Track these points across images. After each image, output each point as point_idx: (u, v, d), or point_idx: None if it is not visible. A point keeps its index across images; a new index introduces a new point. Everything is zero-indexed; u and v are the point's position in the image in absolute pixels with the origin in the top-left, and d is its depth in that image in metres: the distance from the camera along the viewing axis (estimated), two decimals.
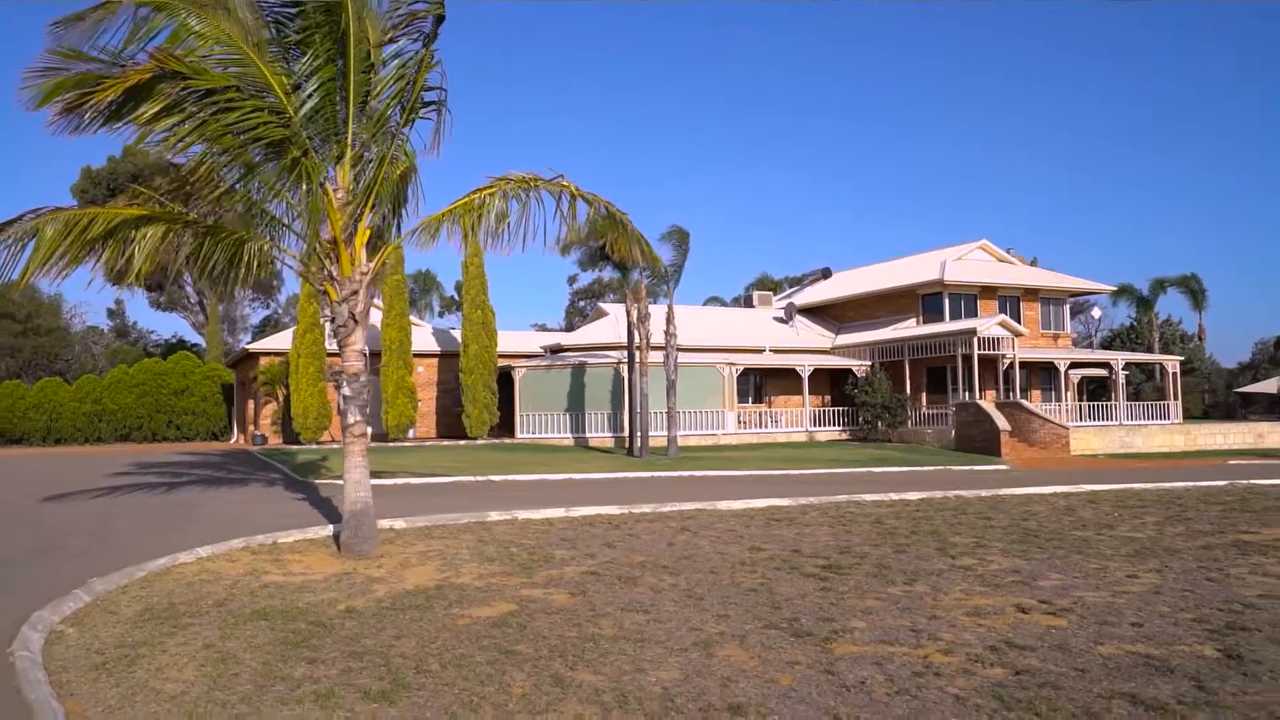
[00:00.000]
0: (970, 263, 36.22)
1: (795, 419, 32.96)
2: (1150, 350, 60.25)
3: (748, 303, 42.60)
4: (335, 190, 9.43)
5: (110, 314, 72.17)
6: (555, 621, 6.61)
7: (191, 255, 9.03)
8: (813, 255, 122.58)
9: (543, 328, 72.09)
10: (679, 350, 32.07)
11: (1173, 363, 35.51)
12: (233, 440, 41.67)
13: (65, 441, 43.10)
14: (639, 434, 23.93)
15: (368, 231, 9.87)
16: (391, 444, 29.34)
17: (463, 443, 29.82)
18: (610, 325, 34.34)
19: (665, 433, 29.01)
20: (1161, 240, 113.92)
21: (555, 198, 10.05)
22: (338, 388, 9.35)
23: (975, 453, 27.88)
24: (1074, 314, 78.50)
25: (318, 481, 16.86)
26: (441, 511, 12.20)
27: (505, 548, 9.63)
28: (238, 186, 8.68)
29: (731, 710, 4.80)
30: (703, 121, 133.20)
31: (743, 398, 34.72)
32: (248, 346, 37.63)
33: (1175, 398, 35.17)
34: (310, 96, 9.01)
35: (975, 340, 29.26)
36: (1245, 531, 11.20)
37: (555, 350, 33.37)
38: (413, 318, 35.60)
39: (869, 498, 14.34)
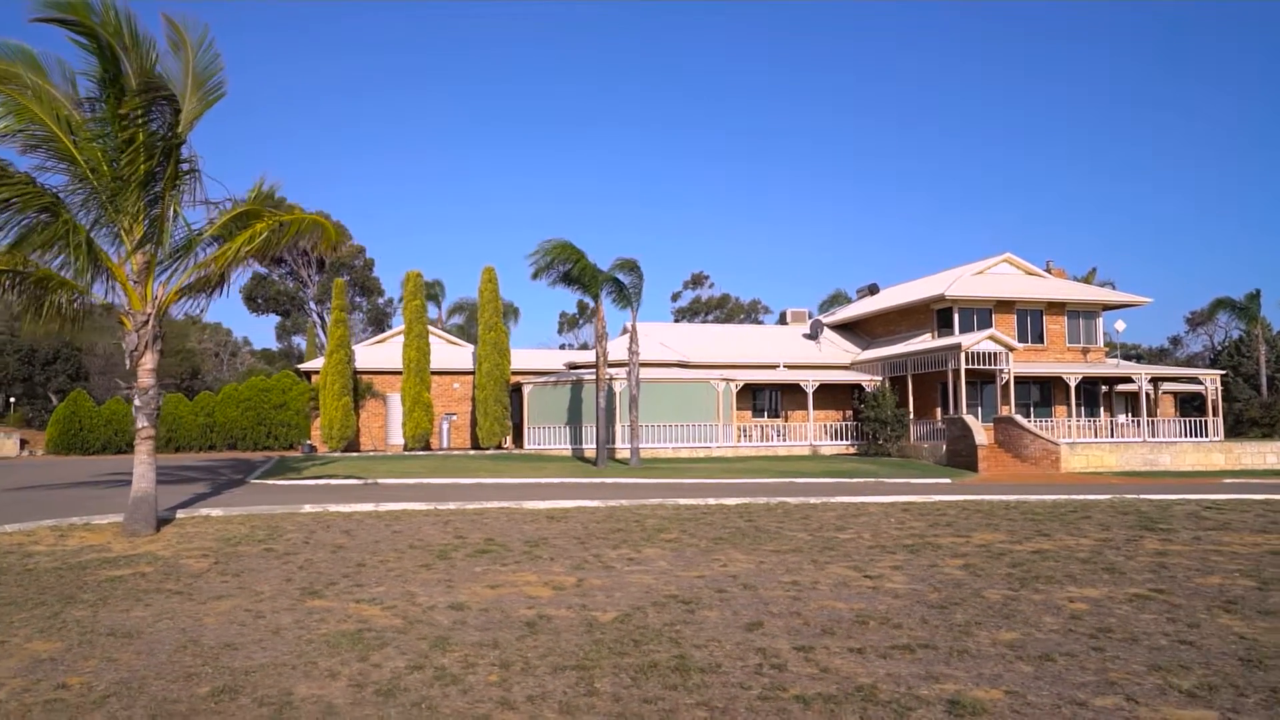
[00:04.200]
0: (990, 277, 35.63)
1: (801, 433, 33.51)
2: (1257, 363, 56.09)
3: (782, 320, 43.20)
4: (133, 241, 11.71)
5: (278, 336, 79.11)
6: (152, 581, 8.48)
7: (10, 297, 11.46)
8: (897, 271, 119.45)
9: None
10: (676, 366, 33.49)
11: (1212, 377, 33.68)
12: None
13: (183, 449, 48.45)
14: (602, 445, 25.43)
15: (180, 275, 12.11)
16: (406, 453, 32.06)
17: (473, 452, 32.18)
18: (623, 343, 36.09)
19: (652, 444, 30.69)
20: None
21: (292, 224, 12.02)
22: (129, 400, 11.59)
23: (960, 467, 27.78)
24: (1197, 324, 73.42)
25: (264, 481, 19.40)
26: (284, 504, 14.30)
27: (256, 531, 11.60)
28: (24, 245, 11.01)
29: (123, 636, 6.51)
30: (804, 132, 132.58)
31: (758, 413, 35.61)
32: (298, 366, 41.58)
33: (1215, 414, 33.38)
34: (110, 164, 11.33)
35: (961, 355, 29.09)
36: (963, 537, 11.77)
37: (572, 367, 35.30)
38: (459, 339, 38.53)
39: (685, 502, 15.46)
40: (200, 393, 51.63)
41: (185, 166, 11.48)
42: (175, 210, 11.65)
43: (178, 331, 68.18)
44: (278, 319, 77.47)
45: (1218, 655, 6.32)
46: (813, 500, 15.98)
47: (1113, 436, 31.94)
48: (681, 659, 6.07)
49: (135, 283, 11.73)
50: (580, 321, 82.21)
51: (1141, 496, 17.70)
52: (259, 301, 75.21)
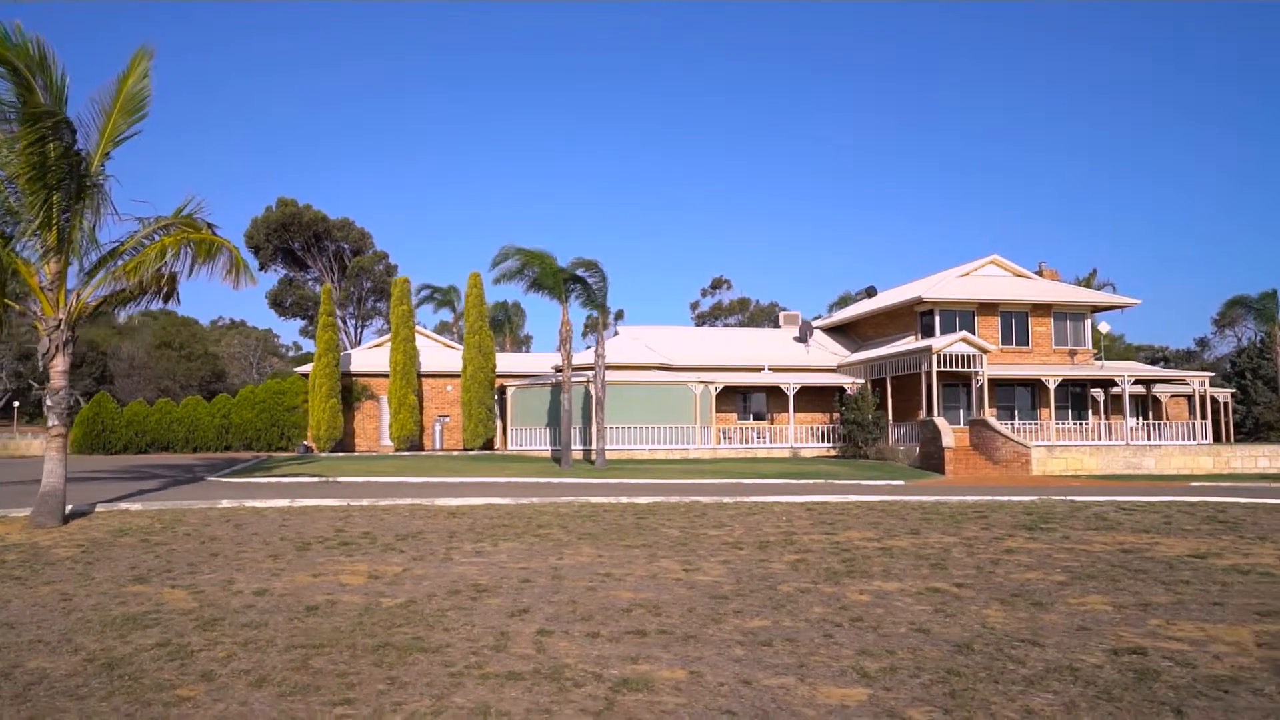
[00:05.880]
0: (976, 279, 35.48)
1: (784, 435, 33.67)
2: (1275, 365, 54.75)
3: (775, 323, 43.31)
4: (47, 251, 12.45)
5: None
6: (5, 568, 9.12)
7: None
8: (910, 272, 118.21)
9: None
10: (658, 369, 33.87)
11: (1200, 379, 33.20)
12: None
13: (201, 449, 49.94)
14: (566, 446, 25.88)
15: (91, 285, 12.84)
16: (393, 454, 32.84)
17: (456, 453, 32.86)
18: (617, 346, 36.66)
19: (629, 446, 31.13)
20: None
21: (200, 244, 12.66)
22: (41, 400, 12.30)
23: (931, 469, 27.80)
24: (1223, 325, 71.68)
25: (223, 479, 20.16)
26: (209, 500, 14.97)
27: (155, 524, 12.24)
28: None
29: None
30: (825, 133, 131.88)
31: (744, 415, 35.85)
32: (295, 370, 42.68)
33: (1204, 417, 32.92)
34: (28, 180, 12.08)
35: (933, 357, 29.08)
36: (832, 535, 12.05)
37: (558, 369, 35.81)
38: (454, 342, 39.35)
39: (599, 500, 15.92)
40: (218, 395, 53.23)
41: (89, 182, 12.17)
42: (79, 222, 12.36)
43: (198, 335, 70.05)
44: (302, 323, 79.51)
45: (938, 642, 6.61)
46: (727, 500, 16.28)
47: (1109, 439, 31.52)
48: (418, 640, 6.50)
49: (47, 290, 12.45)
50: (613, 319, 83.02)
51: (1069, 498, 17.70)
52: (285, 305, 76.89)
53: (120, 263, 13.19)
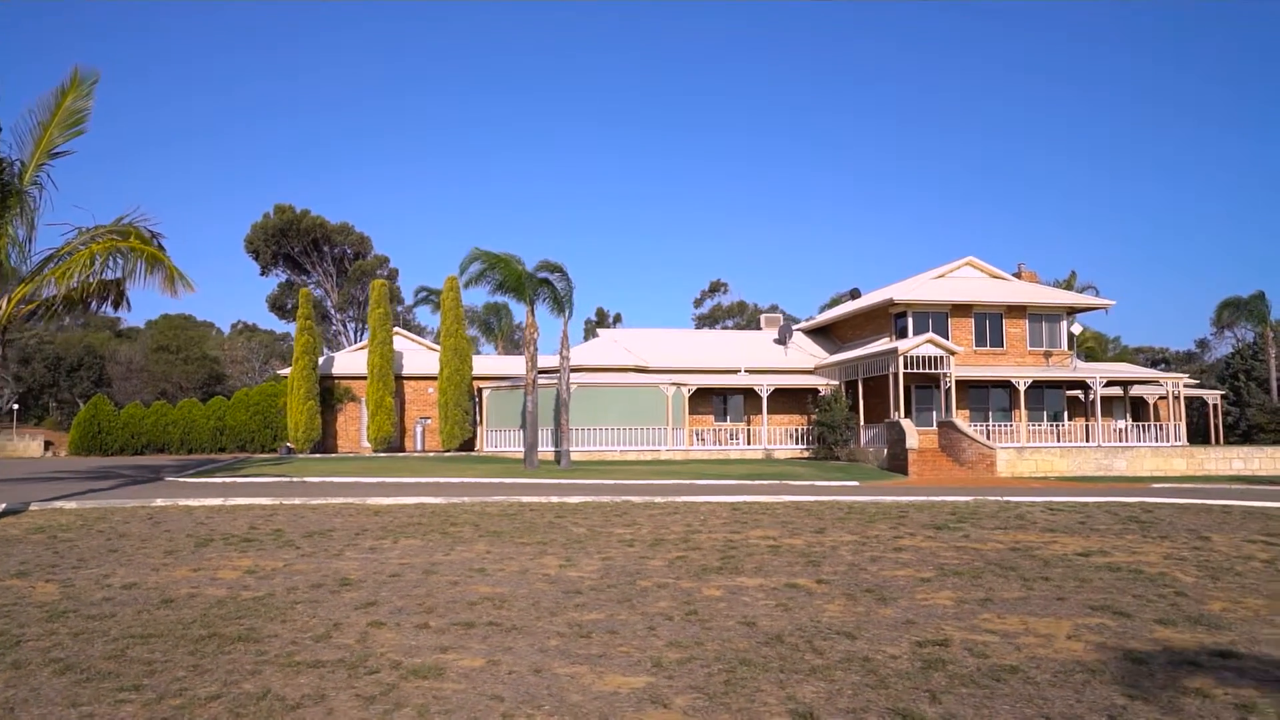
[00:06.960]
0: (951, 280, 35.53)
1: (758, 437, 33.82)
2: (1268, 367, 54.43)
3: (757, 326, 43.48)
4: None
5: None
6: None
7: None
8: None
9: None
10: (633, 371, 34.10)
11: (1174, 380, 33.16)
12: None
13: (196, 450, 50.41)
14: (531, 447, 26.12)
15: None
16: (369, 455, 33.20)
17: (431, 454, 33.17)
18: (594, 349, 36.96)
19: (601, 447, 31.39)
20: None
21: (133, 253, 12.98)
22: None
23: (897, 470, 27.88)
24: (1223, 326, 71.25)
25: (184, 479, 20.50)
26: (148, 499, 15.29)
27: (76, 522, 12.56)
28: None
29: None
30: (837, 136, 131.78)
31: (720, 417, 36.02)
32: (277, 373, 43.16)
33: (1179, 418, 32.85)
34: None
35: (900, 359, 29.18)
36: (737, 533, 12.23)
37: (542, 372, 36.07)
38: (432, 344, 39.74)
39: (529, 499, 16.13)
40: (214, 397, 53.79)
41: (14, 189, 12.53)
42: (7, 229, 12.72)
43: (198, 339, 70.77)
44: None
45: (756, 635, 6.80)
46: (658, 500, 16.48)
47: (1083, 440, 31.49)
48: (250, 631, 6.74)
49: None
50: (611, 322, 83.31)
51: (1009, 499, 17.78)
52: (287, 309, 77.48)
53: (49, 269, 13.52)
